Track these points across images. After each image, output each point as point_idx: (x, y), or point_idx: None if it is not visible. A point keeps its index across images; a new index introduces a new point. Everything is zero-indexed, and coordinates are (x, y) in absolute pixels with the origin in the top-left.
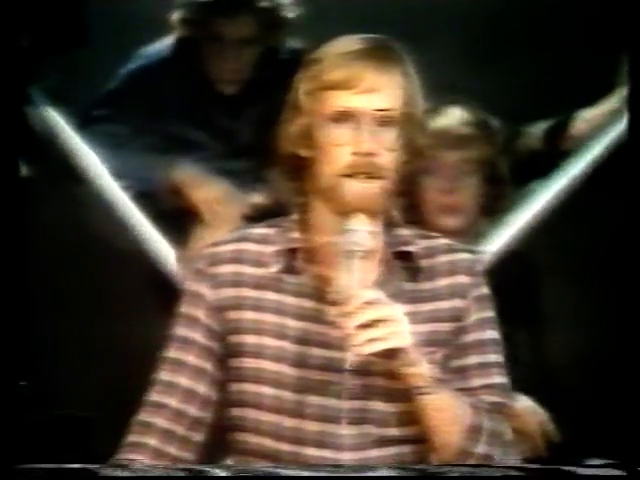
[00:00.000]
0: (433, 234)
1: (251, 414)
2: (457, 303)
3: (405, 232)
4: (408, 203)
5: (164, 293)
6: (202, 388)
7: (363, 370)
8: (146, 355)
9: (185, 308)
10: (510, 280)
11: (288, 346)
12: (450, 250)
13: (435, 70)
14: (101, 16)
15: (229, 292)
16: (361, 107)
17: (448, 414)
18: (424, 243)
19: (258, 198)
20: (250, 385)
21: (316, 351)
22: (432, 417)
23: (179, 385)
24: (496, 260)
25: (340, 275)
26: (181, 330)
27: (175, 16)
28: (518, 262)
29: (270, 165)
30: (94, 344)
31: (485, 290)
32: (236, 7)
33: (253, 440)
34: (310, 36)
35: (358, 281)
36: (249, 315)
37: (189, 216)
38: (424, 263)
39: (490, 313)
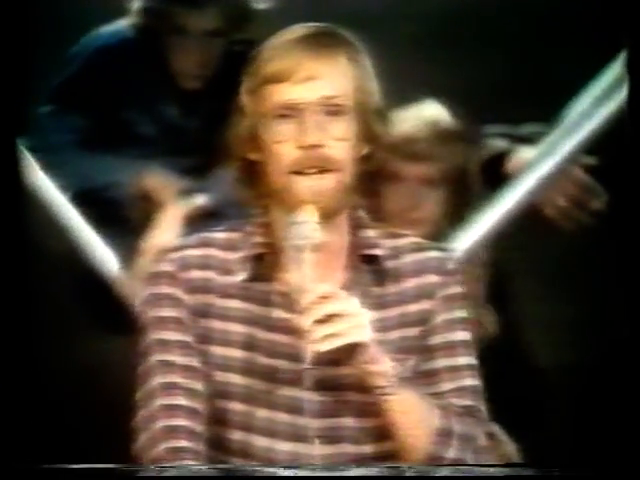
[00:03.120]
0: (401, 232)
1: (220, 431)
2: (424, 304)
3: (371, 233)
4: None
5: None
6: (197, 385)
7: (332, 385)
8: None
9: (162, 312)
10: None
11: (256, 358)
12: (417, 249)
13: (405, 65)
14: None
15: (200, 298)
16: (302, 97)
17: (414, 416)
18: (390, 243)
19: (202, 199)
20: (220, 401)
21: (285, 364)
22: (397, 419)
23: (179, 385)
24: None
25: (293, 272)
26: (165, 334)
27: (136, 4)
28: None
29: (219, 165)
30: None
31: (456, 289)
32: None
33: (222, 457)
34: (279, 29)
35: (310, 275)
36: (217, 324)
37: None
38: (391, 264)
39: (460, 313)
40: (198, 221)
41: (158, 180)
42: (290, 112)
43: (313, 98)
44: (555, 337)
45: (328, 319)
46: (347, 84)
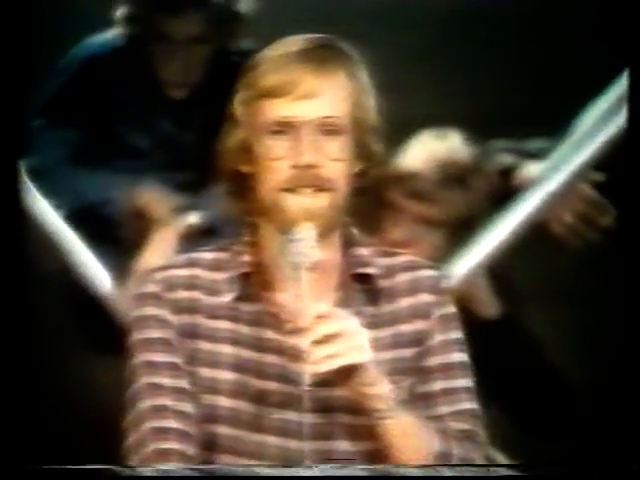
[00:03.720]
0: (395, 250)
1: (210, 456)
2: (419, 325)
3: (364, 252)
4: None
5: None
6: (187, 407)
7: (326, 407)
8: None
9: (149, 333)
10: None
11: (246, 380)
12: (411, 267)
13: (407, 79)
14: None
15: (187, 319)
16: (299, 115)
17: (413, 440)
18: (384, 262)
19: (195, 218)
20: (207, 425)
21: (275, 386)
22: (395, 443)
23: (169, 407)
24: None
25: (290, 291)
26: (153, 355)
27: (119, 12)
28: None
29: (214, 179)
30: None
31: (451, 309)
32: (185, 3)
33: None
34: (266, 36)
35: (309, 294)
36: (205, 346)
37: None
38: (384, 284)
39: (456, 334)
40: (193, 239)
41: (152, 196)
42: (285, 129)
43: (310, 117)
44: (562, 354)
45: (327, 339)
46: (344, 101)
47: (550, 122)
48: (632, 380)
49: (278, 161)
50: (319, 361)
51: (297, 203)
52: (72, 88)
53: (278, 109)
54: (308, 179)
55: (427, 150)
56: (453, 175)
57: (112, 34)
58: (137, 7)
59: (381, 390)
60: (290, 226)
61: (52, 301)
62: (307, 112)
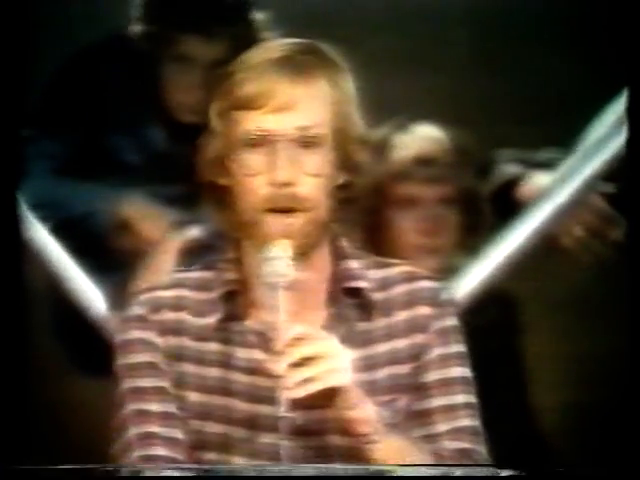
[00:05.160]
0: (390, 261)
1: None
2: (417, 339)
3: (354, 264)
4: (374, 239)
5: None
6: (177, 433)
7: (315, 430)
8: None
9: (135, 358)
10: (489, 320)
11: (236, 404)
12: (408, 278)
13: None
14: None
15: (173, 341)
16: (274, 128)
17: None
18: (378, 274)
19: (195, 232)
20: (196, 452)
21: (265, 409)
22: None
23: (158, 435)
24: (473, 299)
25: (267, 310)
26: (140, 381)
27: (136, 28)
28: (498, 300)
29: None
30: None
31: (450, 322)
32: (210, 24)
33: None
34: None
35: (285, 315)
36: (191, 369)
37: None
38: (378, 297)
39: (457, 347)
40: (193, 255)
41: (139, 210)
42: (261, 142)
43: (287, 129)
44: (571, 371)
45: (304, 362)
46: (325, 110)
47: (559, 131)
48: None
49: (254, 177)
50: (295, 385)
51: (275, 222)
52: (63, 97)
53: (252, 121)
54: (285, 200)
55: (417, 137)
56: (450, 152)
57: (112, 44)
58: (158, 25)
59: (364, 413)
60: (266, 244)
61: (47, 322)
62: (283, 125)
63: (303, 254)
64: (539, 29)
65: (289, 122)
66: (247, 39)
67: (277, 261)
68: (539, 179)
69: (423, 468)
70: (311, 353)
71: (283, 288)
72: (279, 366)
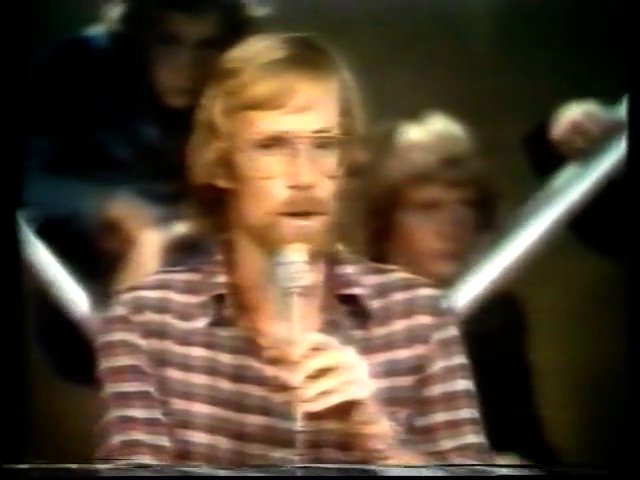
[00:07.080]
0: (387, 267)
1: None
2: (417, 350)
3: (350, 270)
4: (381, 244)
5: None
6: (163, 440)
7: (314, 441)
8: None
9: (118, 361)
10: (495, 327)
11: (224, 414)
12: (407, 286)
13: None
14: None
15: (156, 344)
16: (296, 129)
17: None
18: (375, 280)
19: (181, 229)
20: (183, 462)
21: (258, 419)
22: None
23: (143, 442)
24: (478, 305)
25: (278, 318)
26: (123, 385)
27: (116, 11)
28: (504, 306)
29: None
30: None
31: (452, 332)
32: (198, 3)
33: None
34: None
35: (300, 323)
36: (176, 375)
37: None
38: (376, 304)
39: (459, 359)
40: (177, 253)
41: (127, 208)
42: (278, 144)
43: (306, 130)
44: (578, 379)
45: (321, 374)
46: (336, 110)
47: None
48: None
49: (272, 180)
50: (313, 399)
51: (291, 226)
52: (48, 91)
53: (270, 122)
54: (304, 203)
55: (431, 135)
56: (468, 150)
57: (97, 32)
58: (141, 5)
59: (381, 429)
60: (280, 248)
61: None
62: (303, 125)
63: (310, 260)
64: (547, 30)
65: (309, 123)
66: (234, 16)
67: (292, 266)
68: (572, 111)
69: (423, 469)
70: (329, 364)
71: (298, 295)
72: (295, 377)
